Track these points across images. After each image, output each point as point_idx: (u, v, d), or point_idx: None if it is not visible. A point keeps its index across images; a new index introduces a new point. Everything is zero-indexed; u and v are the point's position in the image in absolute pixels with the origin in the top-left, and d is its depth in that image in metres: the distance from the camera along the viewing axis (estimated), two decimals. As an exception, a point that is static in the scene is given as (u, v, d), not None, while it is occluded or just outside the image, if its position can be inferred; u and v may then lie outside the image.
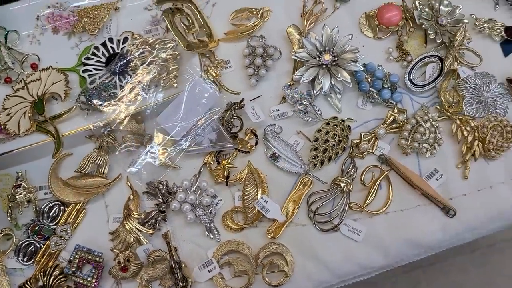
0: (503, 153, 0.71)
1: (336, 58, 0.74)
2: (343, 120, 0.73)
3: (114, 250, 0.67)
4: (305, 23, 0.79)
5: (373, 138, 0.73)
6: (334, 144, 0.72)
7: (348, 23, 0.80)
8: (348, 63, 0.74)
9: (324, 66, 0.74)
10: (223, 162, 0.72)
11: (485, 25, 0.78)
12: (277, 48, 0.77)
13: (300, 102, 0.73)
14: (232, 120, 0.73)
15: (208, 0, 0.83)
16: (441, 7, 0.77)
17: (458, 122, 0.72)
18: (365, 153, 0.72)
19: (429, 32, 0.76)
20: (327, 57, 0.74)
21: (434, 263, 1.67)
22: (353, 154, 0.72)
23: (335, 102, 0.75)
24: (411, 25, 0.78)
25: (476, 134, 0.71)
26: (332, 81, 0.73)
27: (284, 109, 0.75)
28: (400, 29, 0.78)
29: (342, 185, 0.69)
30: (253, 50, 0.77)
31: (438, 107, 0.74)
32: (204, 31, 0.78)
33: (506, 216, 0.70)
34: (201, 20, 0.78)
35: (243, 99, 0.74)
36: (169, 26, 0.71)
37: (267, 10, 0.80)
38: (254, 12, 0.80)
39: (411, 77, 0.75)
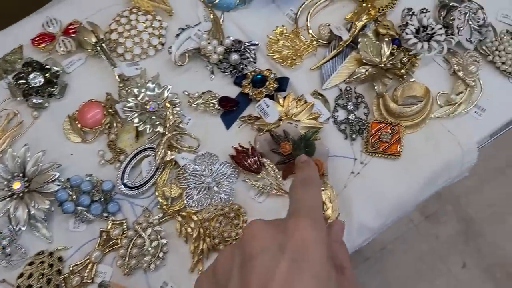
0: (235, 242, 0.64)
1: (29, 183, 0.63)
2: (51, 253, 0.62)
3: None
4: (-4, 146, 0.68)
5: (90, 264, 0.62)
6: (41, 287, 0.60)
7: (53, 131, 0.70)
8: (44, 186, 0.63)
9: (16, 196, 0.63)
10: None
11: (198, 101, 0.71)
12: (-36, 185, 0.65)
13: (-4, 245, 0.61)
14: None
15: None
16: (147, 92, 0.70)
17: (180, 219, 0.64)
18: (82, 286, 0.62)
19: (135, 124, 0.68)
20: (16, 185, 0.63)
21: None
22: (68, 291, 0.61)
23: (42, 232, 0.64)
24: (118, 120, 0.70)
25: (201, 230, 0.63)
26: (30, 211, 0.63)
27: (-20, 258, 0.62)
28: (107, 127, 0.70)
29: (54, 336, 0.58)
30: None
31: (159, 207, 0.66)
32: None
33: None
34: None
35: None
36: None
37: (-49, 140, 0.68)
38: None
39: (124, 180, 0.66)
